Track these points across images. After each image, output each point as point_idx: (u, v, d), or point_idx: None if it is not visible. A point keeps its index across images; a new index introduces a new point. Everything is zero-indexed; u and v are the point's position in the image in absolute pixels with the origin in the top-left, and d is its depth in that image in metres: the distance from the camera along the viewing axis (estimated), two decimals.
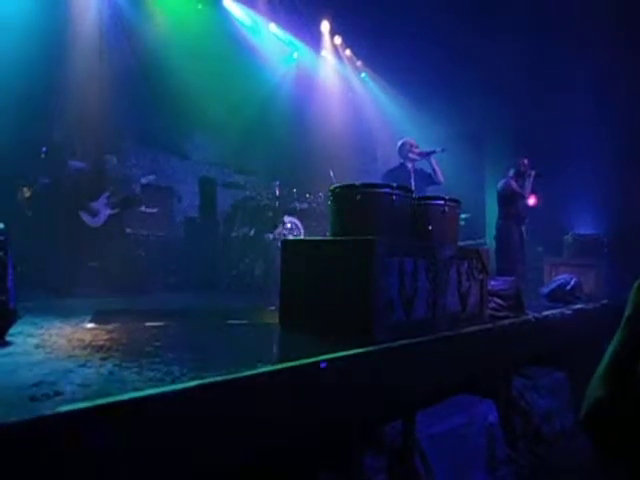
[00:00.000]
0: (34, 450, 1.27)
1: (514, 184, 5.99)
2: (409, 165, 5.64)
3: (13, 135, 5.03)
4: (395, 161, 5.90)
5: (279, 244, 3.63)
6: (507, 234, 5.91)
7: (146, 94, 6.81)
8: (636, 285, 1.09)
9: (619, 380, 0.99)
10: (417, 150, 5.59)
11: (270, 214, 6.78)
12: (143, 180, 6.20)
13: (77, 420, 1.37)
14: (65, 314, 3.26)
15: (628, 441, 0.95)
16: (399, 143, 5.76)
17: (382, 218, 3.06)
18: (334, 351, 2.24)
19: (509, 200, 5.96)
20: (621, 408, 0.96)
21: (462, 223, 3.66)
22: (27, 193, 5.14)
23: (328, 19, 9.18)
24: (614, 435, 0.98)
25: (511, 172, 6.09)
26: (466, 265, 3.36)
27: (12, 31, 5.20)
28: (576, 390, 4.43)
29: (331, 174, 6.96)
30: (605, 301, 5.67)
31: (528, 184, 6.02)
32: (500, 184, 6.09)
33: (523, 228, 6.21)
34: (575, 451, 3.84)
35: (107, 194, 5.56)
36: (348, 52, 10.13)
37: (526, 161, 6.06)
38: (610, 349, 1.04)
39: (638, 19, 7.26)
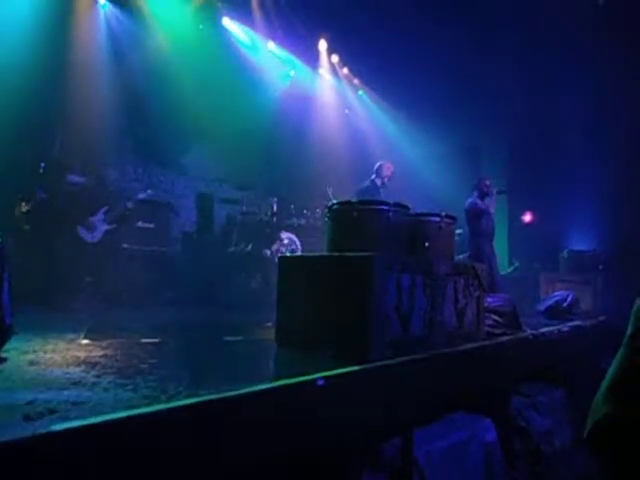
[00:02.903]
0: (27, 469, 1.26)
1: (480, 202, 6.24)
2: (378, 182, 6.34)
3: (12, 149, 5.06)
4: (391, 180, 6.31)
5: (276, 260, 3.63)
6: (480, 251, 6.08)
7: (145, 111, 6.86)
8: (638, 303, 1.09)
9: (623, 397, 0.99)
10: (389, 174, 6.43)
11: (267, 230, 6.80)
12: (140, 195, 6.21)
13: (71, 439, 1.35)
14: (60, 330, 3.24)
15: (633, 458, 0.95)
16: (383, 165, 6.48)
17: (379, 234, 3.07)
18: (331, 368, 2.23)
19: (476, 218, 6.21)
20: (626, 425, 0.96)
21: (457, 238, 3.72)
22: (25, 208, 5.13)
23: (325, 37, 9.32)
24: (619, 452, 0.97)
25: (475, 193, 6.34)
26: (463, 282, 3.36)
27: (13, 47, 5.26)
28: (575, 407, 4.40)
29: (328, 191, 7.00)
30: (602, 317, 5.67)
31: (492, 202, 6.33)
32: (466, 203, 6.30)
33: (493, 244, 6.39)
34: (575, 469, 3.80)
35: (105, 209, 5.57)
36: (345, 70, 10.27)
37: (488, 182, 6.40)
38: (613, 366, 1.04)
39: (636, 35, 7.39)
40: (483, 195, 6.32)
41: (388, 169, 6.43)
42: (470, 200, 6.32)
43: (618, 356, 1.05)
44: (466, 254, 6.31)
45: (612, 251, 7.63)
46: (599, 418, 0.99)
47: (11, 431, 1.31)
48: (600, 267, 7.16)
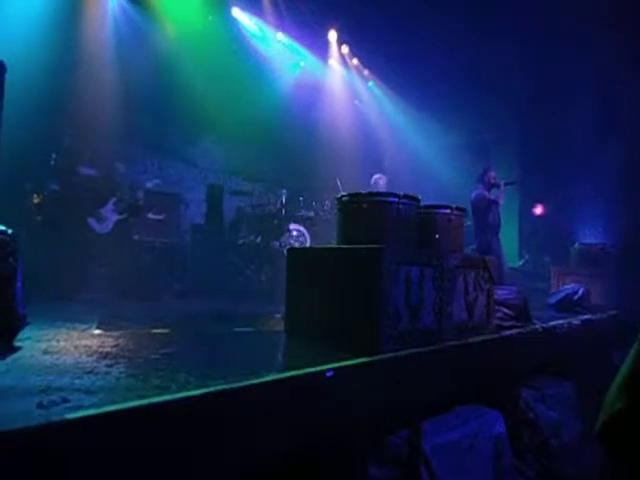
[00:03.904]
0: (41, 457, 1.28)
1: (487, 194, 6.13)
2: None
3: (23, 141, 5.09)
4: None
5: (285, 251, 3.64)
6: (487, 243, 6.00)
7: (155, 102, 6.87)
8: None
9: (637, 393, 0.98)
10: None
11: (276, 222, 6.80)
12: (148, 184, 6.24)
13: (84, 427, 1.37)
14: (72, 320, 3.28)
15: None
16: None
17: (388, 227, 3.06)
18: (340, 360, 2.24)
19: (484, 210, 6.11)
20: (639, 421, 0.95)
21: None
22: (37, 199, 5.19)
23: (335, 28, 9.25)
24: (631, 448, 0.96)
25: (480, 185, 6.23)
26: (473, 274, 3.35)
27: (25, 38, 5.28)
28: (584, 401, 4.38)
29: (338, 182, 7.00)
30: (613, 312, 5.62)
31: (501, 193, 6.23)
32: (473, 195, 6.19)
33: (500, 236, 6.31)
34: (584, 463, 3.79)
35: (114, 200, 5.60)
36: (355, 61, 10.19)
37: (493, 173, 6.24)
38: (627, 361, 1.03)
39: None
40: (489, 187, 6.23)
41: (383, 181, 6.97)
42: (476, 192, 6.23)
43: (632, 351, 1.04)
44: (472, 246, 6.25)
45: (624, 244, 7.54)
46: (612, 413, 0.98)
47: (25, 419, 1.33)
48: (612, 260, 7.07)
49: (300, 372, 2.02)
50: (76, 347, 2.45)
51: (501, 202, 6.22)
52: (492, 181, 6.24)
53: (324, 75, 9.90)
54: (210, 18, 7.65)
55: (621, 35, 7.28)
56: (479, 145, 10.55)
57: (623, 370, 1.03)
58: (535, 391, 4.02)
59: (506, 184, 6.34)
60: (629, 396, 0.98)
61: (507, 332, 3.63)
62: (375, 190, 6.62)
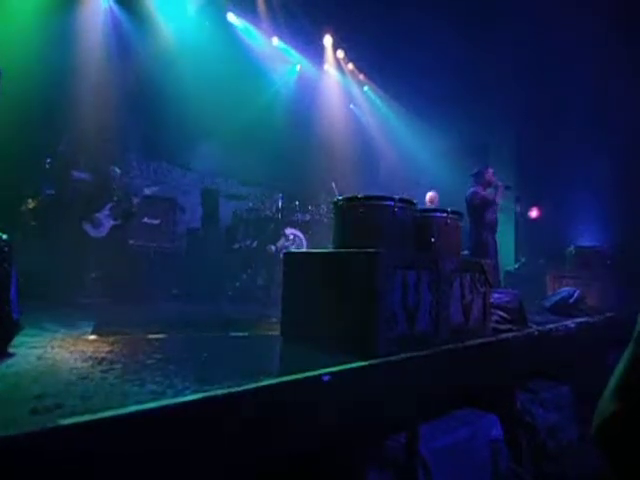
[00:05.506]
0: (35, 463, 1.27)
1: (483, 192, 5.98)
2: None
3: (18, 146, 5.08)
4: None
5: (281, 256, 3.64)
6: (481, 244, 5.86)
7: (151, 107, 6.87)
8: None
9: (632, 394, 0.98)
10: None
11: (272, 226, 6.80)
12: (146, 191, 6.22)
13: (79, 433, 1.36)
14: (67, 325, 3.27)
15: None
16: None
17: (385, 230, 3.06)
18: (337, 364, 2.23)
19: (479, 209, 5.93)
20: (634, 422, 0.95)
21: None
22: (31, 204, 5.17)
23: (331, 33, 9.29)
24: (626, 450, 0.96)
25: (475, 183, 6.10)
26: (469, 278, 3.35)
27: (19, 44, 5.28)
28: (580, 404, 4.38)
29: (333, 186, 7.00)
30: (609, 314, 5.64)
31: (499, 193, 6.05)
32: (468, 193, 6.05)
33: (496, 237, 6.20)
34: (581, 466, 3.79)
35: (110, 205, 5.58)
36: (351, 65, 10.23)
37: (491, 170, 6.09)
38: (621, 363, 1.03)
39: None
40: (486, 185, 6.09)
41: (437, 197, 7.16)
42: (472, 190, 6.04)
43: (626, 353, 1.04)
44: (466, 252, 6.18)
45: (619, 247, 7.57)
46: (607, 415, 0.98)
47: (19, 425, 1.32)
48: (608, 262, 7.10)
49: (296, 376, 2.01)
50: (71, 353, 2.43)
51: (498, 201, 6.07)
52: (492, 181, 6.10)
53: (319, 79, 9.93)
54: (207, 24, 7.66)
55: (620, 38, 7.33)
56: (475, 148, 10.59)
57: (617, 372, 1.03)
58: (532, 394, 4.02)
59: (506, 187, 6.18)
60: (623, 398, 0.98)
61: (503, 335, 3.64)
62: (431, 207, 6.36)
